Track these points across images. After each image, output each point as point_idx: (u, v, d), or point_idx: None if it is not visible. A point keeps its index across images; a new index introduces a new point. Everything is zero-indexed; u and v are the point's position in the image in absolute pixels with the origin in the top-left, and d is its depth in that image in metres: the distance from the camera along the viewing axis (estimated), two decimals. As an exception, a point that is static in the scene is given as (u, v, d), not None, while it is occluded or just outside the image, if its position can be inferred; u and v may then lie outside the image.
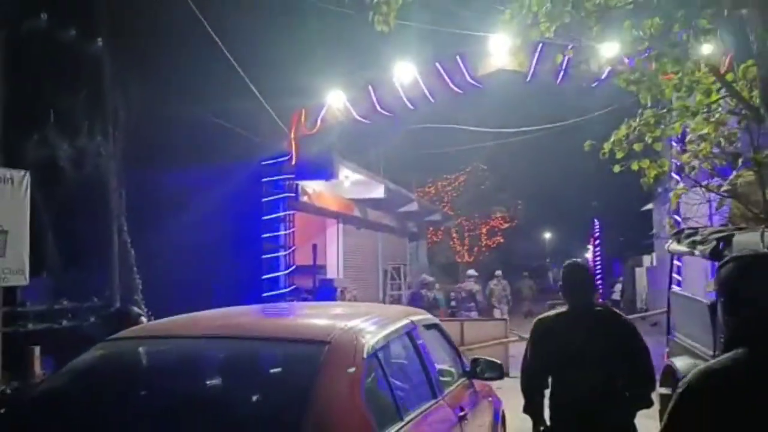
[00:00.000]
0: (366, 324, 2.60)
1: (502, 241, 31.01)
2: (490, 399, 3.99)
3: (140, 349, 2.66)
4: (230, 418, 2.13)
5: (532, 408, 3.43)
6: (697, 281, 11.14)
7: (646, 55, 6.32)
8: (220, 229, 11.41)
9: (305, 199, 12.78)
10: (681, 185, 8.03)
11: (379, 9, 7.17)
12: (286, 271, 11.40)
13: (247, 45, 10.45)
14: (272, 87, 10.75)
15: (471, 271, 15.84)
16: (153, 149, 10.30)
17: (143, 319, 3.66)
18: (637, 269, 24.82)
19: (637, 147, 7.57)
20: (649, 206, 20.12)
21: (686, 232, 5.35)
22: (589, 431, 3.22)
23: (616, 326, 3.39)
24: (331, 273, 14.88)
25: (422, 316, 3.42)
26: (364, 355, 2.36)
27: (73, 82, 8.85)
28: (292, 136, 11.37)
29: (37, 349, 6.56)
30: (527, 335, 3.55)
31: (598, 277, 31.40)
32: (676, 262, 6.15)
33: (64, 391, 2.52)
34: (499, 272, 16.48)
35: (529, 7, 7.13)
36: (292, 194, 11.64)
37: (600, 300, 25.00)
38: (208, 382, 2.42)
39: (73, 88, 8.78)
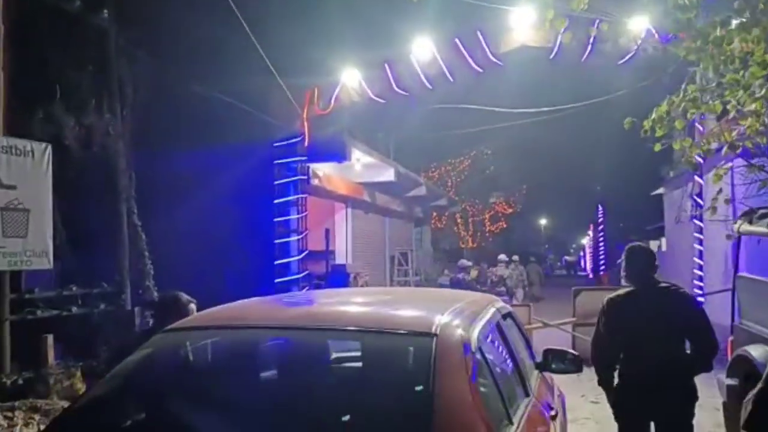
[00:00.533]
0: (462, 313, 2.25)
1: (505, 226, 30.77)
2: (559, 394, 3.66)
3: (215, 341, 2.28)
4: (342, 421, 1.78)
5: (606, 381, 3.72)
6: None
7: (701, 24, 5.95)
8: (232, 213, 11.02)
9: (316, 182, 12.39)
10: (724, 165, 7.60)
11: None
12: (299, 256, 11.02)
13: (259, 21, 9.99)
14: (284, 64, 10.31)
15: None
16: (162, 129, 9.86)
17: (193, 306, 3.28)
18: (644, 255, 24.60)
19: (679, 124, 7.22)
20: (660, 191, 19.83)
21: (760, 212, 4.98)
22: (657, 398, 3.49)
23: (682, 301, 3.71)
24: (340, 258, 14.52)
25: (502, 304, 3.07)
26: (473, 349, 2.01)
27: (80, 55, 8.39)
28: (305, 116, 10.93)
29: (50, 338, 6.18)
30: (549, 321, 3.83)
31: (602, 261, 31.28)
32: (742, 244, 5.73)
33: (137, 392, 2.16)
34: (516, 257, 16.22)
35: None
36: (305, 177, 11.23)
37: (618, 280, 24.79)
38: (304, 380, 2.04)
39: (80, 62, 8.32)
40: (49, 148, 5.11)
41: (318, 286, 11.74)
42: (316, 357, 2.18)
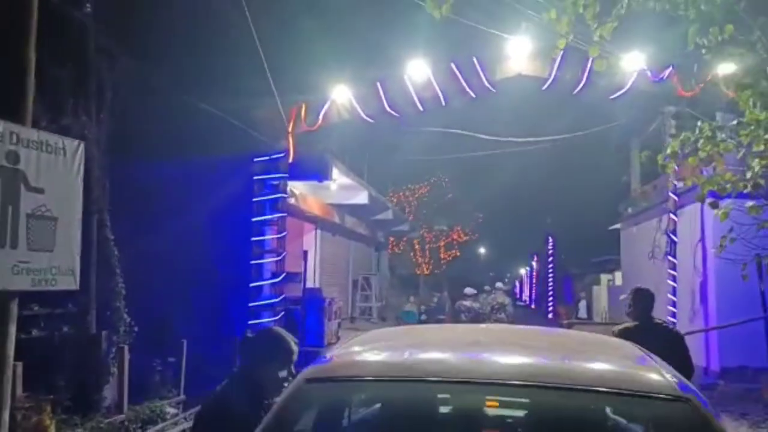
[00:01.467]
0: (671, 370, 1.87)
1: (458, 254, 30.82)
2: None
3: (388, 399, 1.77)
4: None
5: None
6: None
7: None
8: (208, 229, 10.32)
9: (292, 201, 11.85)
10: (726, 203, 7.61)
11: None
12: (277, 279, 10.39)
13: (248, 31, 9.50)
14: (274, 78, 9.82)
15: (499, 284, 15.89)
16: (141, 136, 9.12)
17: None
18: (595, 287, 25.11)
19: (692, 161, 7.21)
20: (617, 226, 20.32)
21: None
22: None
23: (672, 335, 4.61)
24: (307, 281, 13.93)
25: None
26: (721, 420, 1.64)
27: (57, 51, 7.60)
28: (290, 131, 10.42)
29: (19, 366, 5.35)
30: None
31: (551, 293, 31.78)
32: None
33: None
34: (499, 284, 16.20)
35: (575, 5, 6.65)
36: (285, 195, 10.67)
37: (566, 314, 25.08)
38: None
39: (57, 57, 7.54)
40: (82, 146, 4.40)
41: (292, 312, 11.12)
42: (539, 425, 1.72)
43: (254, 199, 10.47)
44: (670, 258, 12.35)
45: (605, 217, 25.35)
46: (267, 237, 10.61)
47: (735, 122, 6.65)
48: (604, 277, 24.70)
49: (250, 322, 10.21)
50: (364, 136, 12.41)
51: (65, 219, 4.00)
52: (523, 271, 58.94)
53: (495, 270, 63.99)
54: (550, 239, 31.53)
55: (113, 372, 7.43)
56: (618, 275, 21.79)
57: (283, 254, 10.55)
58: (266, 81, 9.60)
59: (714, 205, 6.58)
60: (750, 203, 7.37)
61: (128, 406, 7.18)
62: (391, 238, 24.78)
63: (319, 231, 14.80)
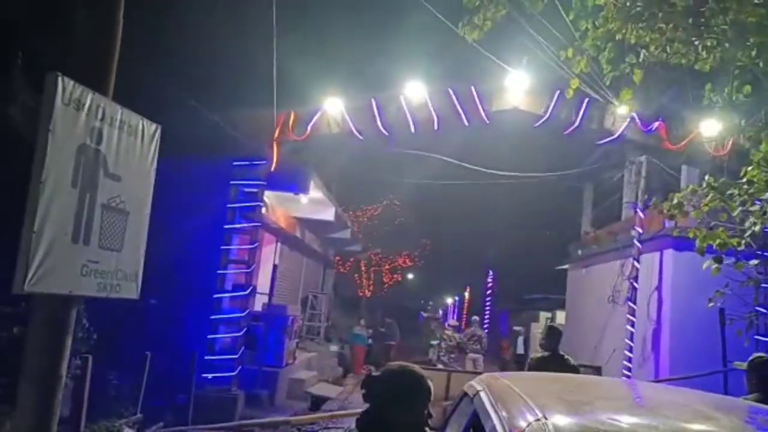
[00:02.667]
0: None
1: (400, 280, 30.64)
2: None
3: None
4: None
5: None
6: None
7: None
8: (175, 233, 9.54)
9: (263, 210, 11.24)
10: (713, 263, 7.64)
11: (474, 18, 6.37)
12: (245, 292, 9.74)
13: (245, 32, 9.02)
14: (265, 81, 9.33)
15: (475, 318, 16.86)
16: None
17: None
18: (533, 324, 25.49)
19: (695, 215, 7.29)
20: (565, 266, 20.77)
21: None
22: None
23: (572, 366, 5.75)
24: (262, 297, 13.25)
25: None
26: None
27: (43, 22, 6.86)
28: (276, 138, 9.90)
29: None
30: None
31: (486, 327, 32.04)
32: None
33: None
34: (476, 318, 16.29)
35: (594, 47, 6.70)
36: (261, 204, 10.08)
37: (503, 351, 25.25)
38: None
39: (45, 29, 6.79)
40: (159, 130, 3.75)
41: (253, 328, 10.45)
42: None
43: (229, 205, 9.81)
44: (630, 304, 12.60)
45: (549, 257, 25.96)
46: (238, 246, 9.96)
47: (743, 180, 6.76)
48: (543, 315, 25.14)
49: (209, 336, 9.49)
50: (341, 151, 12.01)
51: (136, 215, 3.37)
52: (450, 301, 59.34)
53: (424, 297, 64.50)
54: (491, 272, 31.91)
55: (68, 384, 6.58)
56: (559, 314, 22.21)
57: (253, 266, 9.92)
58: (256, 84, 9.11)
59: (718, 261, 6.64)
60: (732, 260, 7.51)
61: (85, 423, 6.36)
62: (338, 258, 24.28)
63: (279, 244, 14.17)
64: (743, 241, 7.20)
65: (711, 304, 7.45)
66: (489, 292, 31.76)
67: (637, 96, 9.85)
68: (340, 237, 17.87)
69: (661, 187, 13.43)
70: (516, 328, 25.47)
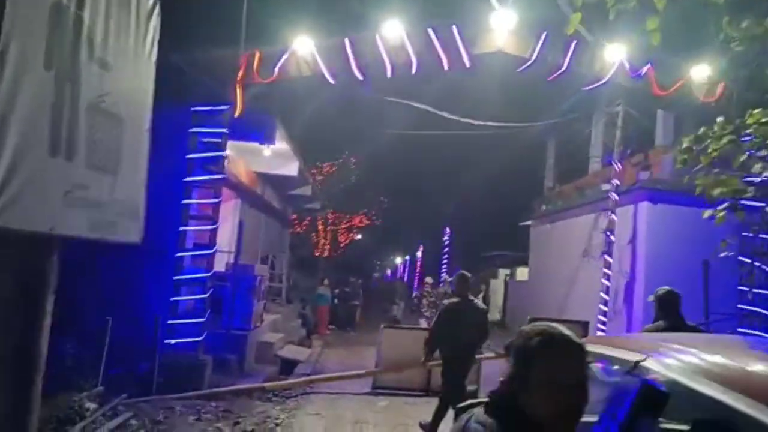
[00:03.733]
0: None
1: (355, 239, 30.11)
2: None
3: None
4: None
5: (432, 352, 6.50)
6: None
7: None
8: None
9: (225, 163, 10.33)
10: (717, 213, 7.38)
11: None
12: (210, 251, 8.92)
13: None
14: (226, 15, 8.35)
15: (446, 276, 17.19)
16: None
17: None
18: (493, 281, 25.59)
19: (704, 160, 6.93)
20: (527, 222, 20.68)
21: None
22: (465, 362, 6.38)
23: (478, 308, 6.48)
24: (224, 257, 12.40)
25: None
26: None
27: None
28: (239, 81, 8.94)
29: None
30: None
31: (442, 283, 32.04)
32: None
33: None
34: (428, 278, 16.14)
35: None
36: (225, 154, 9.18)
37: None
38: None
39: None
40: (158, 7, 2.79)
41: (219, 290, 9.67)
42: None
43: (188, 156, 8.87)
44: (606, 257, 12.46)
45: (507, 214, 25.89)
46: (200, 201, 9.08)
47: (741, 120, 6.40)
48: (502, 272, 25.26)
49: (172, 298, 8.67)
50: (309, 98, 11.12)
51: (134, 125, 2.46)
52: (398, 261, 59.33)
53: (377, 257, 64.34)
54: (448, 230, 31.78)
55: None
56: (520, 270, 22.27)
57: (217, 224, 9.07)
58: (218, 18, 8.12)
59: (734, 207, 6.31)
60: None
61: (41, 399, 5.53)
62: (294, 217, 23.45)
63: (240, 201, 13.26)
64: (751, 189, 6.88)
65: (724, 253, 7.08)
66: (446, 250, 31.66)
67: (630, 38, 9.41)
68: (300, 194, 17.05)
69: (636, 138, 13.23)
70: (482, 286, 25.43)
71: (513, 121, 15.38)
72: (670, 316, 4.58)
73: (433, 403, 7.92)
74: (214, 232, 9.04)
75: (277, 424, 6.59)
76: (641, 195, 12.48)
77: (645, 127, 13.01)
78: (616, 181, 12.49)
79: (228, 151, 10.50)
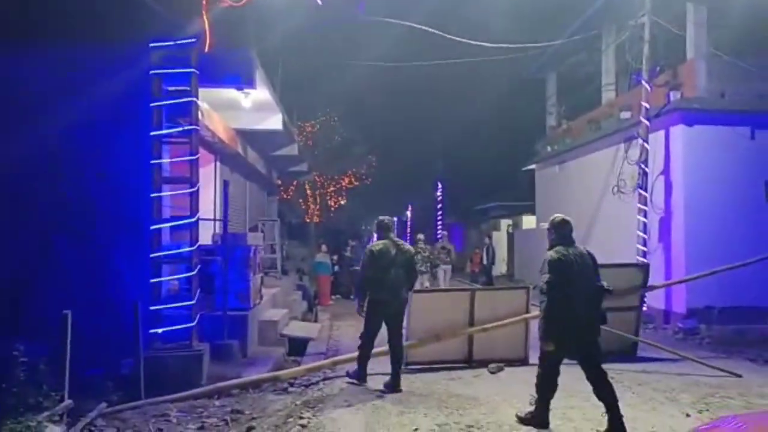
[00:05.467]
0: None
1: (344, 203, 28.50)
2: None
3: None
4: None
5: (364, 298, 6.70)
6: None
7: None
8: (81, 149, 6.98)
9: (199, 114, 8.65)
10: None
11: None
12: (192, 219, 7.31)
13: None
14: None
15: (444, 232, 17.50)
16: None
17: None
18: (495, 233, 24.22)
19: None
20: (532, 166, 19.24)
21: None
22: (390, 303, 6.43)
23: (410, 250, 6.69)
24: (207, 228, 10.80)
25: None
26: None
27: None
28: (205, 6, 7.22)
29: None
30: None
31: (440, 240, 30.73)
32: None
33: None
34: (421, 236, 15.09)
35: None
36: (197, 99, 7.48)
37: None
38: None
39: None
40: None
41: (208, 265, 8.13)
42: None
43: (152, 105, 7.18)
44: (641, 191, 11.08)
45: (503, 163, 24.45)
46: (173, 160, 7.45)
47: None
48: (504, 222, 23.91)
49: (152, 280, 7.11)
50: (289, 23, 9.40)
51: None
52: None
53: (366, 222, 62.76)
54: (440, 185, 30.29)
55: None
56: (526, 219, 20.97)
57: (197, 185, 7.45)
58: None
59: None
60: None
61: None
62: (279, 181, 21.75)
63: (219, 164, 11.57)
64: None
65: None
66: (440, 206, 30.23)
67: None
68: (286, 154, 15.35)
69: (663, 55, 11.73)
70: (486, 240, 24.04)
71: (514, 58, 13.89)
72: (568, 240, 4.97)
73: (483, 375, 6.54)
74: (195, 197, 7.41)
75: (303, 426, 5.15)
76: (674, 118, 11.06)
77: (672, 41, 11.49)
78: (646, 104, 11.03)
79: (202, 103, 8.82)
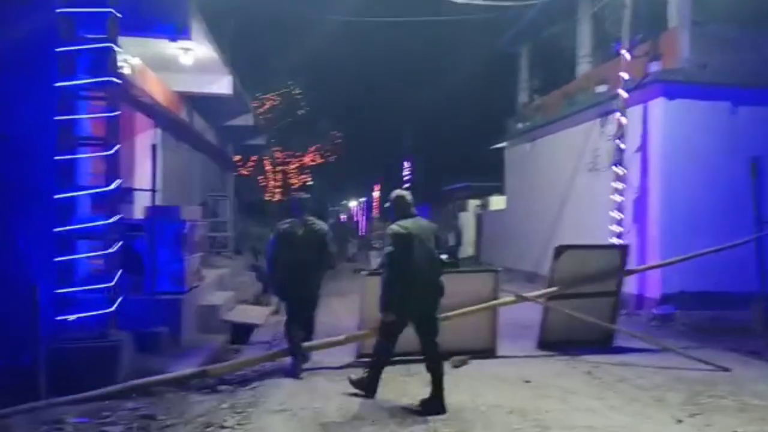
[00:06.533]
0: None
1: (308, 182, 27.40)
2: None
3: None
4: None
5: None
6: None
7: None
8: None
9: (126, 72, 7.51)
10: None
11: None
12: (110, 187, 6.21)
13: None
14: None
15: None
16: None
17: None
18: (462, 214, 23.48)
19: None
20: (503, 144, 18.42)
21: None
22: (300, 283, 6.20)
23: (318, 231, 6.33)
24: (142, 200, 9.67)
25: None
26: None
27: None
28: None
29: None
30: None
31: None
32: None
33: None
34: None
35: None
36: (116, 46, 6.34)
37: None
38: None
39: None
40: None
41: (132, 243, 7.05)
42: None
43: (58, 49, 6.02)
44: (616, 168, 10.32)
45: (471, 143, 23.65)
46: (87, 116, 6.32)
47: None
48: (472, 203, 23.12)
49: (58, 258, 6.02)
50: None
51: None
52: (353, 204, 56.53)
53: (330, 203, 61.42)
54: (408, 162, 29.35)
55: None
56: (495, 199, 20.22)
57: (116, 147, 6.33)
58: None
59: None
60: None
61: None
62: (238, 157, 20.53)
63: (158, 131, 10.40)
64: None
65: None
66: (407, 186, 29.31)
67: None
68: (241, 124, 14.19)
69: (643, 24, 10.93)
70: (453, 221, 23.29)
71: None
72: (408, 214, 5.10)
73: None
74: (112, 161, 6.30)
75: (221, 436, 4.20)
76: (654, 90, 10.29)
77: (654, 9, 10.69)
78: (625, 75, 10.24)
79: (134, 58, 7.68)
